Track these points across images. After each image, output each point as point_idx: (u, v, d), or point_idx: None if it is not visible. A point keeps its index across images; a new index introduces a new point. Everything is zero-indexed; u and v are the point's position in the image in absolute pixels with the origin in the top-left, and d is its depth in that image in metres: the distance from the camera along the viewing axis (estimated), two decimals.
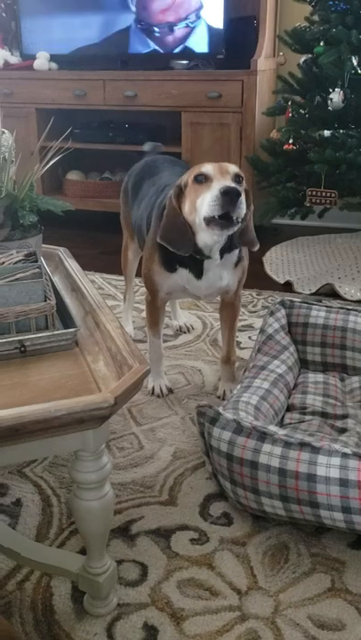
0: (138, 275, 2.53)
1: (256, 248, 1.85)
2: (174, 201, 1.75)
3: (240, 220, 1.65)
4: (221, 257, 1.83)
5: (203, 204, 1.65)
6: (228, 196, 1.59)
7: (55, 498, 1.60)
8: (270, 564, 1.40)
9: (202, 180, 1.67)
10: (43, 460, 1.73)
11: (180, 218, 1.74)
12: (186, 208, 1.72)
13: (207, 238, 1.74)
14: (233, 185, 1.61)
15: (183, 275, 1.88)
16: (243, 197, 1.63)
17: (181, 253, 1.78)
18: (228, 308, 2.05)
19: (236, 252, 1.87)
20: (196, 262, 1.83)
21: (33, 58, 3.92)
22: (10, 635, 1.10)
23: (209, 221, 1.66)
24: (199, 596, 1.32)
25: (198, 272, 1.85)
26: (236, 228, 1.68)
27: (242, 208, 1.62)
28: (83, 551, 1.35)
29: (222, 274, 1.88)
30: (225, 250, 1.82)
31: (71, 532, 1.48)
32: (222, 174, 1.66)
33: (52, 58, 3.93)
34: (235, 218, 1.62)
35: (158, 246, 1.85)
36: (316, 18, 3.23)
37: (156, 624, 1.25)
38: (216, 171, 1.67)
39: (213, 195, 1.61)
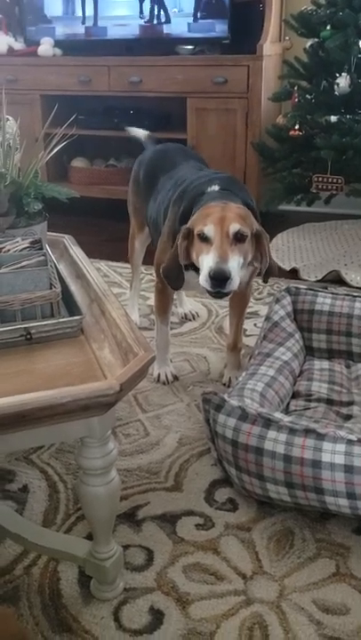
0: (144, 263, 2.54)
1: (275, 274, 1.84)
2: (182, 241, 1.74)
3: (234, 287, 1.65)
4: None
5: (201, 270, 1.66)
6: (216, 281, 1.61)
7: (62, 484, 1.61)
8: (275, 549, 1.41)
9: (204, 238, 1.66)
10: (49, 447, 1.74)
11: (177, 261, 1.75)
12: (193, 255, 1.72)
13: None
14: (223, 267, 1.60)
15: (196, 276, 1.86)
16: (235, 272, 1.62)
17: (172, 287, 1.85)
18: (239, 297, 2.04)
19: None
20: None
21: (37, 44, 3.90)
22: (23, 636, 1.12)
23: (204, 288, 1.67)
24: (204, 581, 1.33)
25: None
26: (230, 295, 1.70)
27: (232, 285, 1.62)
28: (89, 536, 1.36)
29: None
30: None
31: (78, 517, 1.50)
32: (221, 238, 1.63)
33: (57, 44, 3.90)
34: (227, 287, 1.63)
35: (173, 238, 1.85)
36: (322, 1, 3.19)
37: (162, 608, 1.26)
38: (216, 233, 1.64)
39: (205, 273, 1.63)
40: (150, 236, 2.31)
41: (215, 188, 1.81)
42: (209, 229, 1.65)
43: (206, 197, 1.77)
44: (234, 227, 1.65)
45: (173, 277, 1.81)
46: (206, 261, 1.64)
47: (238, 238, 1.66)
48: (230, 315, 2.12)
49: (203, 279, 1.64)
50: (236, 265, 1.63)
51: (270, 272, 1.79)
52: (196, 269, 1.73)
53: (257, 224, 1.73)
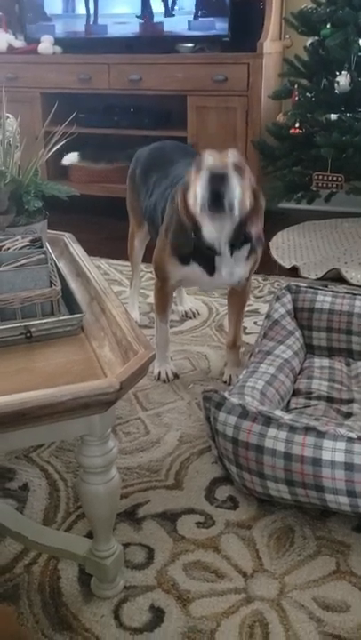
0: (144, 260, 2.54)
1: (260, 245, 1.84)
2: (180, 198, 1.74)
3: (233, 206, 1.63)
4: (232, 253, 1.82)
5: (197, 192, 1.65)
6: (214, 179, 1.59)
7: (62, 482, 1.61)
8: (276, 546, 1.41)
9: (200, 167, 1.65)
10: (49, 445, 1.74)
11: (181, 224, 1.75)
12: (190, 200, 1.71)
13: (210, 231, 1.74)
14: (222, 170, 1.60)
15: (195, 269, 1.87)
16: (235, 182, 1.61)
17: (184, 252, 1.80)
18: (238, 294, 2.05)
19: (247, 246, 1.86)
20: (208, 259, 1.83)
21: (37, 41, 3.89)
22: (23, 636, 1.12)
23: (202, 209, 1.65)
24: (205, 579, 1.33)
25: (210, 269, 1.85)
26: (230, 216, 1.67)
27: (233, 193, 1.61)
28: (90, 535, 1.36)
29: (234, 270, 1.86)
30: (235, 247, 1.81)
31: (78, 515, 1.50)
32: (221, 162, 1.64)
33: (57, 41, 3.90)
34: (226, 203, 1.61)
35: (171, 241, 1.86)
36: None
37: (163, 606, 1.27)
38: (212, 157, 1.65)
39: (202, 180, 1.61)
40: (149, 234, 2.31)
41: None
42: (207, 159, 1.64)
43: None
44: (233, 156, 1.66)
45: (183, 242, 1.79)
46: (202, 176, 1.61)
47: (237, 170, 1.65)
48: (229, 312, 2.12)
49: (199, 193, 1.62)
50: (235, 182, 1.62)
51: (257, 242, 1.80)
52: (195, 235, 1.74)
53: (253, 179, 1.74)
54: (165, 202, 1.95)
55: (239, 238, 1.80)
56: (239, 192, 1.64)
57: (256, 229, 1.76)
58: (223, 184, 1.59)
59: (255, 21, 3.54)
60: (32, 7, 3.95)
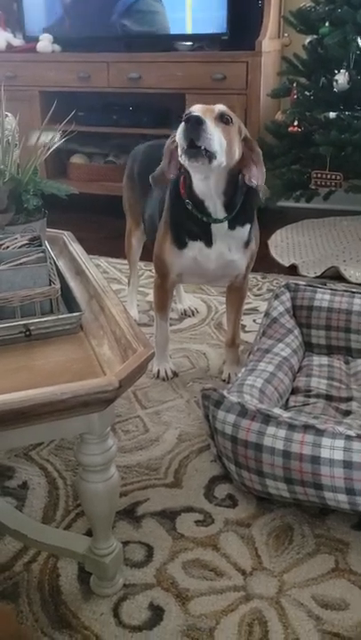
0: (142, 259, 2.54)
1: (263, 196, 1.82)
2: (167, 150, 1.79)
3: (211, 150, 1.62)
4: (232, 227, 1.83)
5: (178, 141, 1.66)
6: (189, 123, 1.59)
7: (61, 480, 1.61)
8: (275, 544, 1.41)
9: (186, 119, 1.64)
10: (49, 444, 1.74)
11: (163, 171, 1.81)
12: (178, 150, 1.70)
13: (198, 184, 1.76)
14: (196, 113, 1.60)
15: (194, 247, 1.87)
16: (210, 126, 1.60)
17: (155, 185, 1.86)
18: (236, 292, 2.05)
19: (248, 227, 1.86)
20: (205, 230, 1.83)
21: (36, 40, 3.89)
22: (22, 635, 1.12)
23: (182, 156, 1.65)
24: (204, 577, 1.33)
25: (208, 240, 1.85)
26: (210, 161, 1.64)
27: (209, 138, 1.60)
28: (89, 533, 1.36)
29: (231, 245, 1.86)
30: (235, 221, 1.82)
31: (77, 514, 1.50)
32: (203, 112, 1.64)
33: (56, 40, 3.89)
34: (202, 147, 1.61)
35: (170, 227, 1.87)
36: None
37: (162, 604, 1.27)
38: (199, 109, 1.65)
39: (180, 127, 1.61)
40: (145, 234, 2.31)
41: None
42: (193, 108, 1.66)
43: None
44: (219, 107, 1.67)
45: (158, 180, 1.84)
46: (181, 125, 1.62)
47: (224, 120, 1.66)
48: (228, 311, 2.12)
49: (178, 137, 1.63)
50: (215, 134, 1.62)
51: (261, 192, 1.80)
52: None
53: (245, 129, 1.75)
54: (163, 197, 1.96)
55: (235, 192, 1.79)
56: (218, 136, 1.63)
57: (256, 177, 1.76)
58: (197, 127, 1.59)
59: (254, 20, 3.54)
60: (31, 5, 3.95)
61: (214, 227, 1.82)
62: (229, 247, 1.87)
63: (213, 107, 1.67)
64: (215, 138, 1.62)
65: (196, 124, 1.59)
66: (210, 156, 1.63)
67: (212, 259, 1.88)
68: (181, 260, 1.91)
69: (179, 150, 1.66)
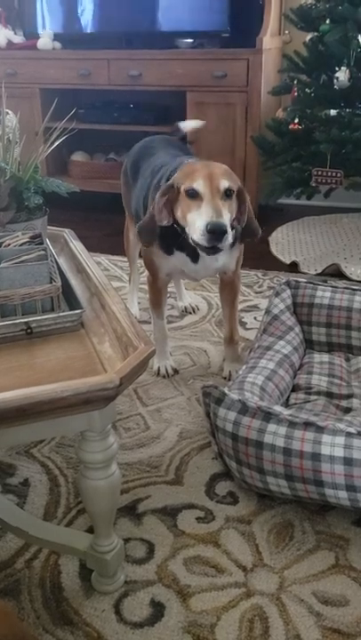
0: (141, 256, 2.54)
1: (258, 236, 1.85)
2: (161, 198, 1.73)
3: (227, 246, 1.67)
4: None
5: (192, 227, 1.66)
6: (214, 235, 1.60)
7: (62, 478, 1.61)
8: (275, 541, 1.41)
9: (193, 195, 1.66)
10: (50, 441, 1.74)
11: (154, 220, 1.75)
12: (178, 213, 1.72)
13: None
14: (221, 221, 1.60)
15: (180, 258, 1.88)
16: (229, 233, 1.62)
17: (144, 243, 1.83)
18: (228, 288, 2.05)
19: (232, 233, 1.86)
20: (193, 248, 1.82)
21: (36, 37, 3.89)
22: (23, 634, 1.12)
23: (197, 244, 1.67)
24: (205, 573, 1.33)
25: (194, 256, 1.86)
26: (222, 251, 1.70)
27: (228, 240, 1.63)
28: (90, 530, 1.36)
29: (218, 257, 1.86)
30: None
31: (79, 511, 1.50)
32: (213, 193, 1.64)
33: (56, 37, 3.89)
34: (221, 247, 1.64)
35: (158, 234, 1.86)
36: None
37: (163, 600, 1.27)
38: (207, 189, 1.64)
39: (201, 229, 1.61)
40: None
41: (192, 159, 1.85)
42: (199, 185, 1.65)
43: (184, 164, 1.79)
44: (223, 183, 1.66)
45: (147, 234, 1.80)
46: (200, 217, 1.63)
47: (227, 194, 1.67)
48: (223, 307, 2.12)
49: (197, 235, 1.63)
50: (228, 220, 1.64)
51: (252, 233, 1.81)
52: (179, 229, 1.75)
53: (239, 181, 1.75)
54: (147, 191, 1.96)
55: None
56: (228, 219, 1.65)
57: (242, 222, 1.77)
58: (219, 239, 1.61)
59: (255, 17, 3.54)
60: (31, 2, 3.94)
61: None
62: (216, 258, 1.87)
63: (219, 184, 1.65)
64: (230, 232, 1.63)
65: (220, 235, 1.60)
66: (225, 247, 1.67)
67: (198, 269, 1.91)
68: (169, 264, 1.94)
69: (193, 237, 1.66)
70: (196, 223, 1.64)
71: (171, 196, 1.72)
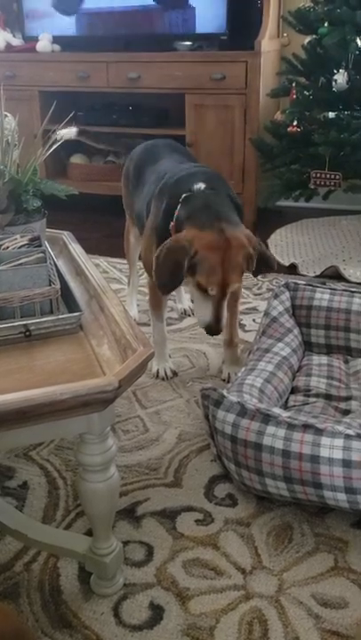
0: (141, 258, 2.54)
1: (275, 268, 1.87)
2: (165, 259, 1.73)
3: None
4: None
5: (196, 311, 1.84)
6: (211, 333, 1.77)
7: (61, 480, 1.61)
8: (274, 543, 1.41)
9: (204, 290, 1.72)
10: (49, 443, 1.74)
11: (172, 273, 1.74)
12: (188, 275, 1.74)
13: None
14: (219, 326, 1.74)
15: None
16: (224, 322, 1.76)
17: (164, 293, 1.85)
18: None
19: None
20: None
21: (35, 39, 3.89)
22: (23, 633, 1.12)
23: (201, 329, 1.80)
24: (204, 576, 1.33)
25: None
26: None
27: (223, 326, 1.77)
28: (89, 532, 1.36)
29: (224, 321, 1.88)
30: None
31: (77, 513, 1.50)
32: (220, 298, 1.71)
33: (55, 39, 3.89)
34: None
35: (156, 234, 1.86)
36: None
37: (162, 603, 1.27)
38: (217, 292, 1.70)
39: (201, 323, 1.77)
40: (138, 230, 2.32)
41: (201, 186, 1.81)
42: (212, 290, 1.71)
43: (194, 202, 1.77)
44: (233, 286, 1.73)
45: (169, 286, 1.79)
46: (203, 314, 1.75)
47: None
48: None
49: (199, 323, 1.79)
50: (225, 312, 1.75)
51: (269, 265, 1.83)
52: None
53: (250, 236, 1.75)
54: (150, 198, 1.96)
55: None
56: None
57: (251, 268, 1.79)
58: (215, 333, 1.78)
59: (253, 20, 3.54)
60: (30, 5, 3.95)
61: None
62: None
63: (229, 286, 1.72)
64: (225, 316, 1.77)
65: (215, 333, 1.77)
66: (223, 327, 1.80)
67: None
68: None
69: (199, 323, 1.81)
70: (198, 313, 1.79)
71: (180, 256, 1.70)
